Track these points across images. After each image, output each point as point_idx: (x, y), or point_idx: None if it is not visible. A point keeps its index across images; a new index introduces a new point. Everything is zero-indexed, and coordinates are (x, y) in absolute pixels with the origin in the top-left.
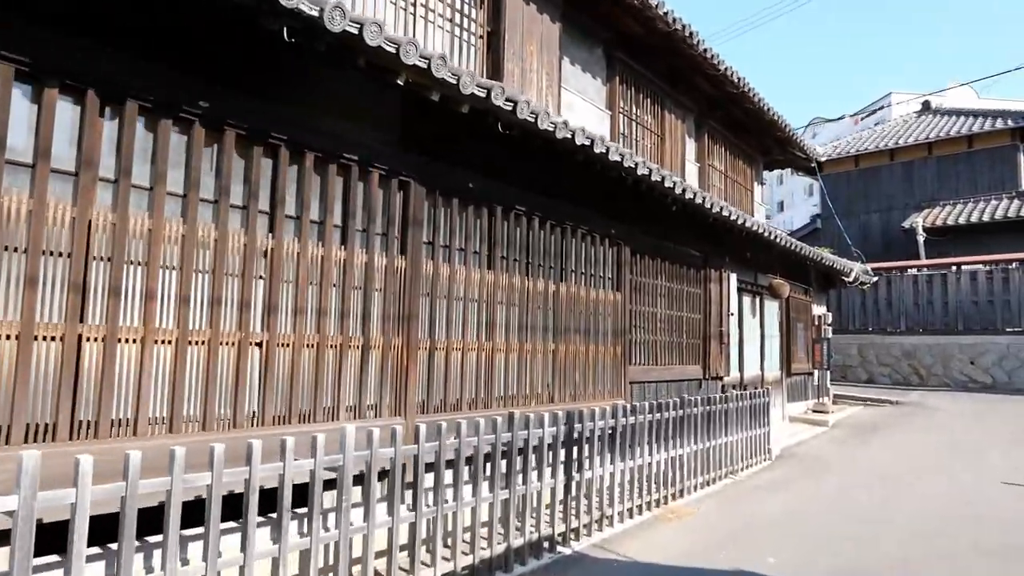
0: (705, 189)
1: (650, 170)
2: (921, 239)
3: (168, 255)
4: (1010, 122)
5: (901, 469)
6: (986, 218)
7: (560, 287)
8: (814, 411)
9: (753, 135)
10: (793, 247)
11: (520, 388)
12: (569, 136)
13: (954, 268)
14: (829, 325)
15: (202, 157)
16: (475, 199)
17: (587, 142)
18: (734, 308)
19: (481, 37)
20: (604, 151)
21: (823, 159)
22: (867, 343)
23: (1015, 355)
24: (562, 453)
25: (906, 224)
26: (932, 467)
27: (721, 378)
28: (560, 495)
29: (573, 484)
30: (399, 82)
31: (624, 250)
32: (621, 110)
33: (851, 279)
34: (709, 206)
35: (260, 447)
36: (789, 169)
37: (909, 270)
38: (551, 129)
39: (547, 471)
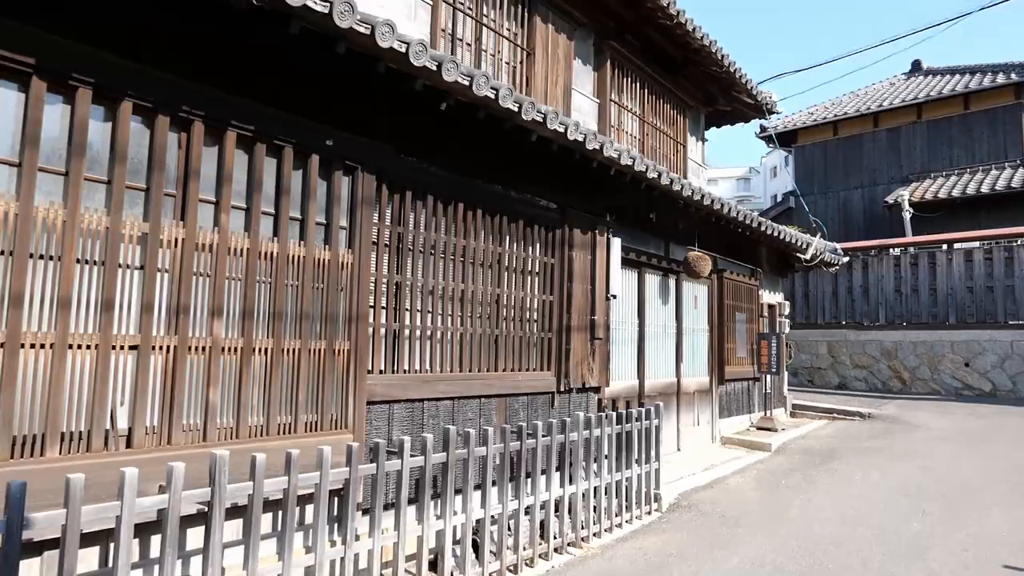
0: (608, 133)
1: (373, 28)
2: (908, 216)
3: None
4: (1014, 76)
5: (850, 535)
6: (985, 190)
7: (203, 235)
8: (759, 428)
9: (684, 75)
10: (712, 203)
11: (38, 425)
12: None
13: (945, 247)
14: (786, 317)
15: None
16: None
17: None
18: (617, 288)
19: None
20: None
21: (798, 126)
22: (839, 340)
23: (1021, 355)
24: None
25: (890, 199)
26: (897, 531)
27: (596, 390)
28: None
29: None
30: None
31: (364, 181)
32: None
33: (808, 257)
34: (515, 107)
35: None
36: (737, 123)
37: (890, 250)
38: None
39: None
